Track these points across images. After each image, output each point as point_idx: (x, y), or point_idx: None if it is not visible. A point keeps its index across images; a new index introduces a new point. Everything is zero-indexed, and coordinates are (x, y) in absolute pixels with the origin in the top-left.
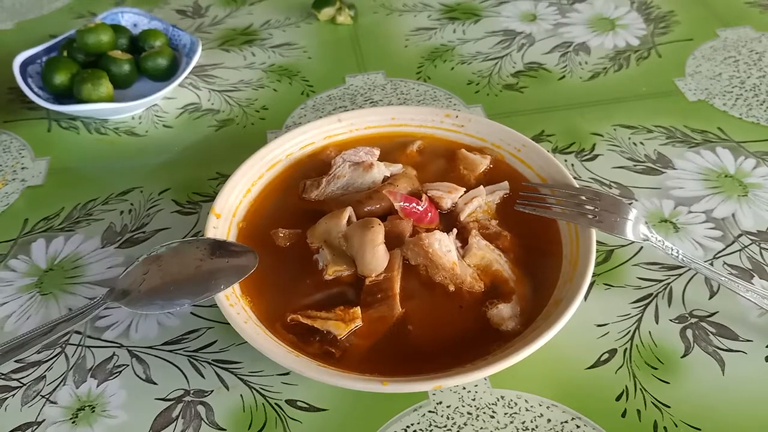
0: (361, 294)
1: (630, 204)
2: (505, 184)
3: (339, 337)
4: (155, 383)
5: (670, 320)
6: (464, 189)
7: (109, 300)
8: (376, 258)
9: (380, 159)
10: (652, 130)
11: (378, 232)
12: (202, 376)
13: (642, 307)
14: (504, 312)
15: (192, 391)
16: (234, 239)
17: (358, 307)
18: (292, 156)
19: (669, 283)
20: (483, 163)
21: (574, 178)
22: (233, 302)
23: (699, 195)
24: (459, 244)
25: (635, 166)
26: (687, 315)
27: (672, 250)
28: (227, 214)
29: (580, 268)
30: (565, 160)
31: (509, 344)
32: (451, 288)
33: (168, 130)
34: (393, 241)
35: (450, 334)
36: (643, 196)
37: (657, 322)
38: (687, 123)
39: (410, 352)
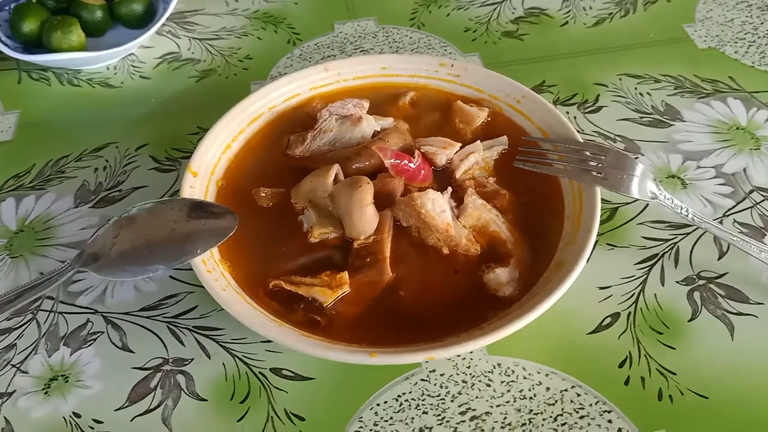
0: (349, 258)
1: (636, 159)
2: (504, 138)
3: (325, 305)
4: (132, 351)
5: (677, 282)
6: (460, 144)
7: (78, 265)
8: (365, 219)
9: (370, 112)
10: (660, 79)
11: (367, 191)
12: (182, 344)
13: (647, 269)
14: (501, 276)
15: (171, 360)
16: (212, 199)
17: (346, 272)
18: (276, 109)
19: (676, 243)
20: (480, 116)
21: (577, 131)
22: (211, 267)
23: (708, 149)
24: (454, 204)
25: (641, 118)
26: (694, 276)
27: (681, 208)
28: (205, 172)
29: (583, 229)
30: (567, 113)
31: (506, 311)
32: (446, 251)
33: (145, 81)
34: (383, 201)
35: (444, 300)
36: (650, 149)
37: (663, 284)
38: (696, 72)
39: (401, 319)
